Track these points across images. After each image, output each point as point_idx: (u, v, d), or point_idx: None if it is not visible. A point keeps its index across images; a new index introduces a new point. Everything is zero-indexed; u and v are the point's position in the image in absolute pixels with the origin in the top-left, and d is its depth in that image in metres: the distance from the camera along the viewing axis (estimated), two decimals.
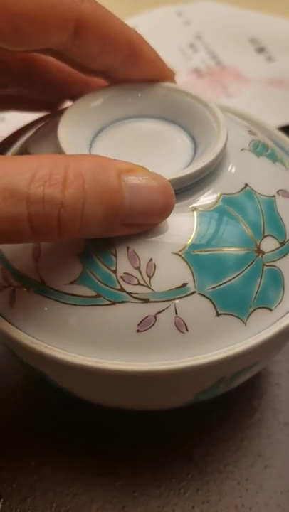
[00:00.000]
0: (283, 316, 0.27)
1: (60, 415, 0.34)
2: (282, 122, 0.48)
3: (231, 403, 0.35)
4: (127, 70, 0.28)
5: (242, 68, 0.54)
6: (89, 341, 0.25)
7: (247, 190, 0.26)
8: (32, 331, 0.25)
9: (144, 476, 0.32)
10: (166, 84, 0.29)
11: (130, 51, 0.27)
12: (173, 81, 0.30)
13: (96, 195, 0.22)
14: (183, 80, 0.53)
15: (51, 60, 0.31)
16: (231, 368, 0.27)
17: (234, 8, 0.59)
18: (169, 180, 0.24)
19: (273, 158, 0.29)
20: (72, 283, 0.25)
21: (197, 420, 0.34)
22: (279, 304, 0.26)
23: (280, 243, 0.26)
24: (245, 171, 0.27)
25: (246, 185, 0.27)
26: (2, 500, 0.31)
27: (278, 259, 0.26)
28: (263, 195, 0.27)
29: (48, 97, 0.33)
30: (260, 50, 0.56)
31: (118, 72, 0.28)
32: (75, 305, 0.25)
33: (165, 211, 0.24)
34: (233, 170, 0.27)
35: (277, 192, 0.27)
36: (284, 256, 0.26)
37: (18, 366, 0.35)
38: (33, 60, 0.32)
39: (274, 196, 0.27)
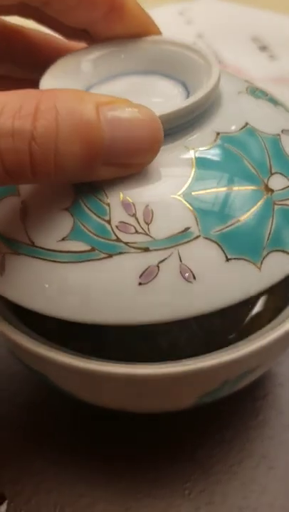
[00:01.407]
0: None
1: (64, 416, 0.34)
2: None
3: (235, 404, 0.35)
4: (109, 25, 0.26)
5: (244, 67, 0.54)
6: (87, 301, 0.23)
7: (248, 129, 0.24)
8: (25, 298, 0.24)
9: (148, 477, 0.32)
10: (152, 37, 0.27)
11: (112, 4, 0.25)
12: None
13: (71, 128, 0.20)
14: None
15: (31, 31, 0.30)
16: (235, 370, 0.27)
17: (236, 7, 0.59)
18: (160, 117, 0.22)
19: (273, 102, 0.27)
20: (63, 239, 0.23)
21: (201, 421, 0.34)
22: None
23: None
24: (244, 111, 0.25)
25: (246, 123, 0.25)
26: (7, 501, 0.31)
27: None
28: (267, 133, 0.25)
29: (32, 73, 0.31)
30: (263, 48, 0.55)
31: (100, 29, 0.27)
32: (68, 263, 0.23)
33: (153, 147, 0.22)
34: (231, 110, 0.25)
35: (282, 131, 0.25)
36: None
37: (20, 367, 0.35)
38: (11, 32, 0.30)
39: (278, 135, 0.25)
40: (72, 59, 0.27)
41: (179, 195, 0.23)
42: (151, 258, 0.22)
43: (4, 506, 0.31)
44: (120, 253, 0.22)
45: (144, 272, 0.22)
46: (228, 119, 0.25)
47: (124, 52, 0.27)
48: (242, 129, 0.24)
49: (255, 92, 0.27)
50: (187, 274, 0.22)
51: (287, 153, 0.25)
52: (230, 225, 0.23)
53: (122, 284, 0.22)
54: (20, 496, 0.32)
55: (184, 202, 0.22)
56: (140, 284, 0.22)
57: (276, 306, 0.34)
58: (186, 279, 0.22)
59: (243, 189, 0.23)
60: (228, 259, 0.23)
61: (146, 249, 0.22)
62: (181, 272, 0.22)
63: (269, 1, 0.59)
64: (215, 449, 0.33)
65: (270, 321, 0.33)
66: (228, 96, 0.26)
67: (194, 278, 0.22)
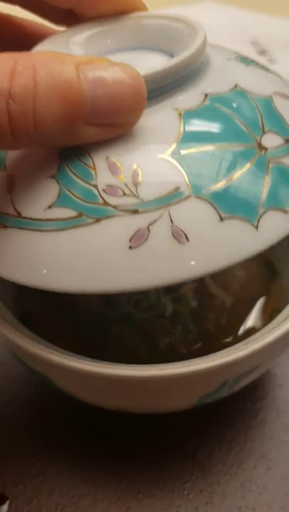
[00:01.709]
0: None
1: (65, 417, 0.35)
2: None
3: (235, 404, 0.35)
4: (95, 3, 0.26)
5: None
6: (77, 269, 0.22)
7: (238, 90, 0.24)
8: (14, 272, 0.23)
9: (148, 477, 0.33)
10: (138, 13, 0.27)
11: None
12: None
13: (49, 87, 0.20)
14: None
15: (20, 19, 0.29)
16: (234, 371, 0.27)
17: (235, 11, 0.59)
18: (144, 77, 0.21)
19: (264, 68, 0.27)
20: (50, 207, 0.22)
21: (201, 421, 0.34)
22: None
23: (285, 140, 0.24)
24: (233, 75, 0.25)
25: (236, 85, 0.24)
26: (8, 501, 0.32)
27: (286, 157, 0.23)
28: (258, 95, 0.24)
29: None
30: (262, 52, 0.56)
31: (86, 8, 0.27)
32: (55, 231, 0.22)
33: (136, 105, 0.21)
34: (220, 73, 0.25)
35: (274, 93, 0.25)
36: None
37: (21, 368, 0.35)
38: (0, 20, 0.30)
39: (270, 96, 0.24)
40: (60, 38, 0.27)
41: (167, 155, 0.22)
42: (141, 220, 0.21)
43: (5, 507, 0.32)
44: (108, 217, 0.21)
45: (134, 235, 0.21)
46: (216, 82, 0.24)
47: (111, 30, 0.27)
48: (231, 90, 0.24)
49: (246, 60, 0.27)
50: (179, 236, 0.21)
51: (280, 113, 0.24)
52: (222, 184, 0.22)
53: (112, 248, 0.21)
54: (21, 497, 0.32)
55: (173, 161, 0.22)
56: (131, 247, 0.21)
57: (274, 308, 0.35)
58: (179, 241, 0.21)
59: (234, 147, 0.22)
60: (222, 219, 0.22)
61: (135, 212, 0.21)
62: (173, 233, 0.21)
63: (268, 5, 0.60)
64: (215, 449, 0.34)
65: (268, 322, 0.34)
66: (216, 62, 0.25)
67: (187, 239, 0.21)
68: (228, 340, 0.33)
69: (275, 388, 0.36)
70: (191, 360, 0.27)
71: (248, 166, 0.22)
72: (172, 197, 0.21)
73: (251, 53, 0.56)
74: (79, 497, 0.32)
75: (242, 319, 0.34)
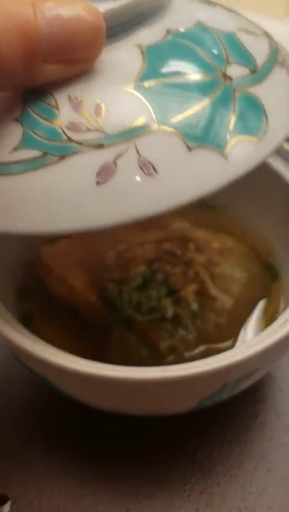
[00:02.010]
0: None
1: (65, 418, 0.35)
2: None
3: (235, 406, 0.35)
4: None
5: None
6: (45, 209, 0.21)
7: (201, 27, 0.24)
8: None
9: (149, 478, 0.33)
10: None
11: None
12: None
13: (8, 27, 0.20)
14: None
15: None
16: (234, 374, 0.28)
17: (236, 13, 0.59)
18: (104, 14, 0.21)
19: (228, 9, 0.27)
20: (14, 150, 0.22)
21: (201, 423, 0.34)
22: (264, 133, 0.22)
23: (251, 70, 0.23)
24: (196, 12, 0.25)
25: (199, 22, 0.24)
26: (10, 502, 0.32)
27: (252, 86, 0.23)
28: (222, 30, 0.24)
29: None
30: None
31: None
32: (21, 172, 0.21)
33: (94, 40, 0.21)
34: (183, 11, 0.25)
35: (238, 29, 0.25)
36: (259, 83, 0.23)
37: (22, 369, 0.36)
38: None
39: (234, 32, 0.24)
40: None
41: (130, 89, 0.22)
42: (107, 154, 0.21)
43: (7, 507, 0.32)
44: (73, 153, 0.21)
45: (100, 170, 0.21)
46: (179, 19, 0.24)
47: None
48: (194, 26, 0.24)
49: (210, 2, 0.27)
50: (147, 168, 0.21)
51: (245, 46, 0.24)
52: (188, 114, 0.22)
53: (80, 185, 0.21)
54: (23, 498, 0.32)
55: (137, 94, 0.22)
56: (98, 183, 0.21)
57: (274, 310, 0.35)
58: (147, 173, 0.21)
59: (198, 78, 0.22)
60: (189, 149, 0.21)
61: (100, 146, 0.21)
62: (140, 165, 0.21)
63: (267, 7, 0.60)
64: (215, 450, 0.34)
65: (268, 324, 0.34)
66: (179, 1, 0.25)
67: (155, 171, 0.21)
68: (229, 342, 0.34)
69: (275, 391, 0.36)
70: (191, 362, 0.27)
71: (213, 95, 0.22)
72: (137, 129, 0.21)
73: None
74: (80, 498, 0.32)
75: (242, 322, 0.34)
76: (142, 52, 0.23)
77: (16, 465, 0.33)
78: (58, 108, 0.22)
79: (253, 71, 0.24)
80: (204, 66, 0.23)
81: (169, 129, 0.21)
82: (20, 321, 0.33)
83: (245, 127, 0.22)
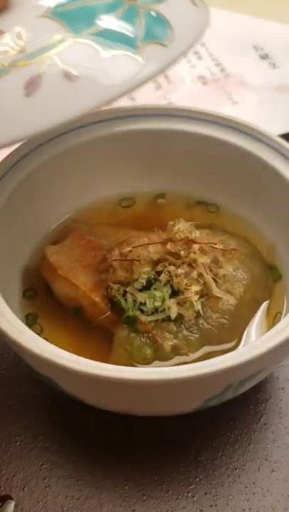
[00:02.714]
0: None
1: (69, 421, 0.35)
2: (287, 129, 0.48)
3: (238, 408, 0.35)
4: None
5: (246, 75, 0.55)
6: None
7: None
8: None
9: (153, 480, 0.33)
10: None
11: None
12: None
13: None
14: (188, 87, 0.54)
15: None
16: (238, 375, 0.28)
17: (238, 16, 0.60)
18: None
19: None
20: None
21: (204, 425, 0.35)
22: (171, 41, 0.26)
23: None
24: None
25: None
26: (14, 502, 0.32)
27: (155, 4, 0.27)
28: None
29: None
30: (264, 56, 0.56)
31: None
32: None
33: None
34: None
35: None
36: (160, 3, 0.28)
37: (27, 372, 0.36)
38: None
39: None
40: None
41: (46, 14, 0.26)
42: (32, 70, 0.24)
43: (11, 507, 0.32)
44: (2, 74, 0.25)
45: (28, 84, 0.25)
46: None
47: None
48: None
49: None
50: (69, 75, 0.25)
51: None
52: (100, 27, 0.26)
53: (11, 100, 0.24)
54: (27, 499, 0.32)
55: (52, 17, 0.26)
56: (27, 95, 0.24)
57: (278, 311, 0.35)
58: (70, 79, 0.25)
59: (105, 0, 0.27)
60: (105, 52, 0.25)
61: (24, 64, 0.25)
62: (64, 73, 0.25)
63: (270, 11, 0.60)
64: (218, 452, 0.34)
65: (271, 325, 0.34)
66: None
67: (77, 76, 0.25)
68: (232, 343, 0.34)
69: (278, 392, 0.37)
70: (196, 363, 0.27)
71: (119, 12, 0.26)
72: (56, 44, 0.25)
73: (254, 57, 0.56)
74: (84, 499, 0.32)
75: (246, 322, 0.34)
76: None
77: (20, 467, 0.33)
78: None
79: None
80: None
81: (85, 40, 0.26)
82: (25, 322, 0.33)
83: (153, 35, 0.27)
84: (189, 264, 0.33)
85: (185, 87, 0.54)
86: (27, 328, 0.29)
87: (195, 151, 0.38)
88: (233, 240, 0.36)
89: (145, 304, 0.32)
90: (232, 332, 0.34)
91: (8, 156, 0.35)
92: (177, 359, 0.32)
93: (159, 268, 0.33)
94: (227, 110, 0.51)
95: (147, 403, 0.28)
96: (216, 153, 0.38)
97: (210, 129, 0.37)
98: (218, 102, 0.52)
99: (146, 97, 0.53)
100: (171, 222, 0.35)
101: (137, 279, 0.33)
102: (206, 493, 0.32)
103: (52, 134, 0.37)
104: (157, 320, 0.32)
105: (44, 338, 0.30)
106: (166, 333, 0.32)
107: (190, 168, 0.39)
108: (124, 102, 0.51)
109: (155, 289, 0.32)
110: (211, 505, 0.32)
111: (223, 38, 0.57)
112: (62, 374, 0.27)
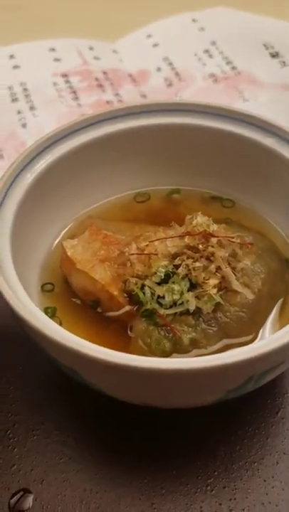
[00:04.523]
0: None
1: (87, 415, 0.35)
2: None
3: (255, 402, 0.35)
4: None
5: (256, 73, 0.55)
6: None
7: None
8: None
9: (172, 474, 0.33)
10: None
11: None
12: None
13: None
14: (199, 84, 0.54)
15: None
16: (259, 367, 0.28)
17: (248, 14, 0.60)
18: None
19: None
20: None
21: (222, 418, 0.34)
22: None
23: None
24: None
25: None
26: (32, 496, 0.32)
27: None
28: None
29: None
30: (275, 54, 0.56)
31: None
32: None
33: None
34: None
35: None
36: None
37: (48, 368, 0.36)
38: None
39: None
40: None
41: None
42: None
43: (30, 501, 0.32)
44: None
45: None
46: None
47: None
48: None
49: None
50: None
51: None
52: None
53: None
54: (45, 493, 0.32)
55: None
56: None
57: None
58: None
59: None
60: None
61: None
62: None
63: (280, 9, 0.60)
64: (236, 445, 0.34)
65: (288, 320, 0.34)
66: None
67: None
68: (250, 336, 0.34)
69: None
70: (216, 355, 0.27)
71: None
72: None
73: (264, 55, 0.56)
74: (103, 493, 0.32)
75: (264, 316, 0.34)
76: None
77: (39, 462, 0.33)
78: None
79: None
80: None
81: None
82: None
83: None
84: (207, 258, 0.33)
85: (196, 85, 0.54)
86: (50, 319, 0.29)
87: (209, 145, 0.38)
88: (250, 234, 0.36)
89: (163, 297, 0.32)
90: (250, 325, 0.34)
91: (22, 154, 0.35)
92: (195, 352, 0.32)
93: (177, 262, 0.33)
94: (238, 107, 0.51)
95: (167, 394, 0.28)
96: (231, 147, 0.38)
97: (224, 123, 0.38)
98: (229, 99, 0.52)
99: (157, 94, 0.53)
100: (189, 216, 0.35)
101: (155, 273, 0.33)
102: (224, 487, 0.32)
103: (66, 131, 0.37)
104: (175, 313, 0.32)
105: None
106: (185, 327, 0.32)
107: (204, 163, 0.39)
108: (136, 98, 0.52)
109: (173, 282, 0.32)
110: (230, 499, 0.32)
111: (233, 36, 0.58)
112: (84, 363, 0.27)
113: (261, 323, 0.34)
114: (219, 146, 0.38)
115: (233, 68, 0.56)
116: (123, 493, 0.32)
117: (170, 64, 0.56)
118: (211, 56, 0.56)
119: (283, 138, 0.36)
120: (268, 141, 0.36)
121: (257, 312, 0.34)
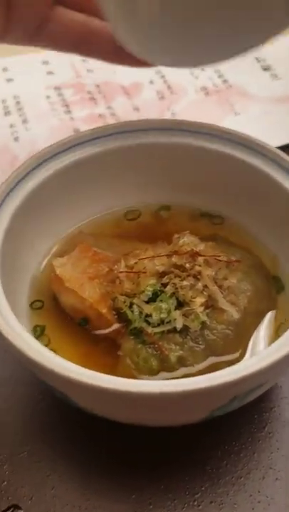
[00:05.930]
0: None
1: (76, 431, 0.35)
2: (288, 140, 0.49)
3: (242, 417, 0.36)
4: None
5: (248, 86, 0.55)
6: None
7: None
8: None
9: (159, 488, 0.33)
10: None
11: None
12: None
13: None
14: (191, 97, 0.54)
15: None
16: (244, 387, 0.28)
17: None
18: None
19: None
20: None
21: (209, 433, 0.35)
22: None
23: None
24: None
25: None
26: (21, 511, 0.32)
27: None
28: None
29: None
30: (266, 68, 0.57)
31: None
32: None
33: None
34: None
35: None
36: None
37: (33, 388, 0.36)
38: None
39: None
40: None
41: None
42: None
43: None
44: None
45: None
46: None
47: None
48: None
49: None
50: None
51: None
52: None
53: None
54: (35, 509, 0.32)
55: None
56: None
57: (281, 321, 0.36)
58: None
59: None
60: None
61: None
62: None
63: None
64: (223, 460, 0.34)
65: (275, 335, 0.34)
66: None
67: None
68: (237, 354, 0.34)
69: (282, 401, 0.37)
70: (203, 376, 0.28)
71: None
72: None
73: (256, 68, 0.57)
74: (91, 509, 0.33)
75: (250, 333, 0.35)
76: None
77: (28, 478, 0.34)
78: None
79: None
80: None
81: None
82: (32, 333, 0.34)
83: None
84: (194, 276, 0.34)
85: (188, 98, 0.54)
86: (35, 340, 0.29)
87: (199, 164, 0.39)
88: (237, 251, 0.37)
89: (151, 315, 0.33)
90: (236, 343, 0.34)
91: (14, 171, 0.36)
92: (183, 370, 0.33)
93: (165, 280, 0.34)
94: (229, 121, 0.52)
95: (155, 414, 0.29)
96: (220, 166, 0.38)
97: (213, 143, 0.38)
98: (220, 112, 0.53)
99: (149, 107, 0.54)
100: (177, 236, 0.35)
101: (143, 291, 0.33)
102: (211, 502, 0.33)
103: (59, 148, 0.38)
104: (163, 331, 0.33)
105: (51, 349, 0.30)
106: (172, 345, 0.33)
107: (194, 181, 0.40)
108: (129, 112, 0.53)
109: (161, 300, 0.33)
110: None
111: None
112: (70, 386, 0.27)
113: (248, 340, 0.35)
114: (209, 165, 0.39)
115: (225, 81, 0.56)
116: (111, 510, 0.33)
117: (162, 77, 0.56)
118: (202, 69, 0.57)
119: (270, 158, 0.36)
120: (256, 162, 0.37)
121: (243, 329, 0.35)
